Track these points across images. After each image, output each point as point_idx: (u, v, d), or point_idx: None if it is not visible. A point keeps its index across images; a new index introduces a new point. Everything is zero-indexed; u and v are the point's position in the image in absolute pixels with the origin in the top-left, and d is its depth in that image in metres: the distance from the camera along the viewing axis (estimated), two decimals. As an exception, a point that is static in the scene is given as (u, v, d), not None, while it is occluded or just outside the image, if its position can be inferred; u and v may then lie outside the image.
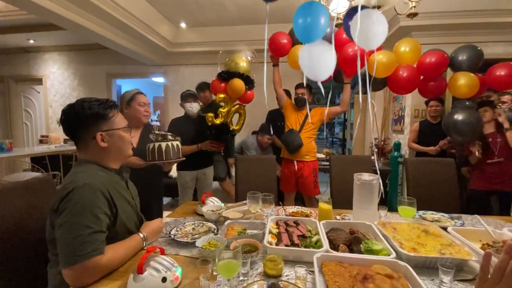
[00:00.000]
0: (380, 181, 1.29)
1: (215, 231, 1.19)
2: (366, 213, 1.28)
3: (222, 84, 2.26)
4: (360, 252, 0.96)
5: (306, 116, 2.47)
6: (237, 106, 2.32)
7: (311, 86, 2.64)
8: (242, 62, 2.31)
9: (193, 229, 1.23)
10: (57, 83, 4.81)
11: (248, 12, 3.51)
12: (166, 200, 4.02)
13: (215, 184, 3.48)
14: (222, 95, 2.21)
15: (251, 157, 2.45)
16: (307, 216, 1.38)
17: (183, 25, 3.79)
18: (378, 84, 2.23)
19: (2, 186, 1.17)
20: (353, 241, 1.01)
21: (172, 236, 1.12)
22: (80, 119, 0.94)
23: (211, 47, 4.04)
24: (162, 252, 0.88)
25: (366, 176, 1.29)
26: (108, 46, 3.70)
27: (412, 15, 1.91)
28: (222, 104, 2.24)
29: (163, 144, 1.43)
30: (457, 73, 2.07)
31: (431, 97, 2.62)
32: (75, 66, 4.74)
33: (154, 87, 6.92)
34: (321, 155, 3.50)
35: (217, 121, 2.21)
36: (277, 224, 1.21)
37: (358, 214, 1.31)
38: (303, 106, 2.50)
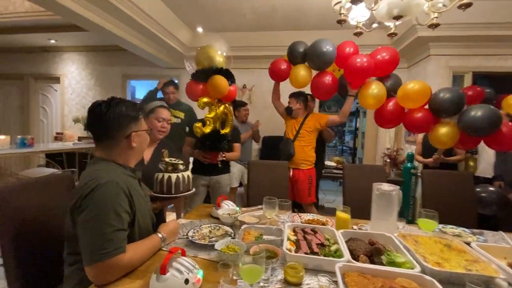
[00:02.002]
0: (401, 192, 1.27)
1: (232, 235, 1.18)
2: (384, 224, 1.25)
3: (200, 86, 1.97)
4: (381, 264, 0.94)
5: (301, 124, 2.53)
6: (223, 106, 2.05)
7: (303, 95, 2.62)
8: (217, 57, 1.96)
9: (210, 231, 1.23)
10: (74, 82, 4.93)
11: (264, 19, 3.55)
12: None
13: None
14: (205, 99, 1.94)
15: (264, 162, 2.43)
16: (323, 224, 1.37)
17: (199, 29, 3.85)
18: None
19: (24, 181, 1.20)
20: (374, 252, 0.99)
21: (190, 238, 1.12)
22: (119, 118, 0.98)
23: (233, 52, 4.09)
24: (183, 254, 0.88)
25: (385, 186, 1.27)
26: (126, 48, 3.79)
27: (434, 26, 1.90)
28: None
29: (173, 176, 1.29)
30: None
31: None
32: (92, 67, 4.86)
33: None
34: (332, 163, 3.47)
35: (207, 130, 1.97)
36: (294, 231, 1.20)
37: (376, 225, 1.28)
38: (290, 115, 2.56)
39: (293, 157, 2.47)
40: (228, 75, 2.01)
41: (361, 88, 2.13)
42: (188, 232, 1.19)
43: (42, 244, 1.10)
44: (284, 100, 2.69)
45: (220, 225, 1.29)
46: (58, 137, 4.30)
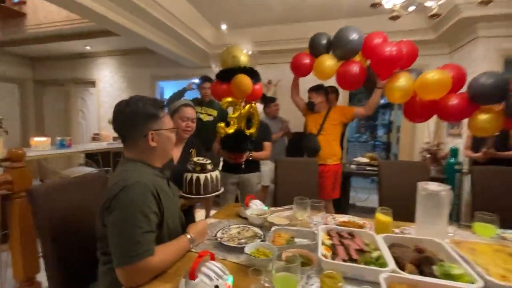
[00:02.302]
0: (451, 192, 1.12)
1: (262, 236, 1.13)
2: (432, 229, 1.12)
3: (224, 86, 1.94)
4: (433, 276, 0.82)
5: (325, 117, 2.42)
6: (248, 106, 1.98)
7: (323, 88, 2.52)
8: (242, 56, 1.94)
9: (239, 233, 1.18)
10: (108, 86, 5.21)
11: (292, 10, 3.42)
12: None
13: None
14: (229, 99, 1.90)
15: (291, 159, 2.34)
16: (360, 227, 1.26)
17: (223, 27, 3.83)
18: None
19: (61, 181, 1.25)
20: (423, 261, 0.87)
21: (219, 239, 1.09)
22: (134, 117, 0.95)
23: (257, 48, 4.03)
24: (213, 258, 0.84)
25: (433, 186, 1.13)
26: (155, 50, 3.90)
27: (485, 3, 1.67)
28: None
29: (201, 176, 1.28)
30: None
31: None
32: (124, 70, 5.09)
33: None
34: (364, 159, 3.27)
35: (230, 130, 1.92)
36: (329, 234, 1.11)
37: (422, 229, 1.15)
38: (312, 110, 2.46)
39: (319, 152, 2.38)
40: (252, 73, 1.94)
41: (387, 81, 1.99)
42: (217, 232, 1.15)
43: (79, 241, 1.14)
44: (302, 96, 2.59)
45: (249, 226, 1.24)
46: (95, 137, 4.57)
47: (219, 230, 1.18)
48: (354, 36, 1.99)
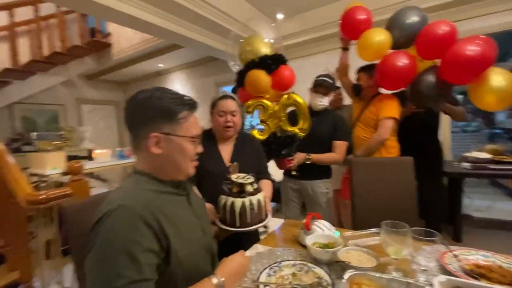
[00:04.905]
0: None
1: (329, 287, 0.71)
2: None
3: (245, 91, 1.69)
4: None
5: (365, 105, 1.87)
6: (284, 98, 1.57)
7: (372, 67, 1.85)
8: (262, 47, 1.61)
9: (294, 274, 0.80)
10: (180, 98, 5.59)
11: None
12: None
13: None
14: (250, 102, 1.59)
15: (375, 160, 1.74)
16: (520, 281, 0.69)
17: (279, 16, 3.48)
18: None
19: (91, 199, 1.13)
20: None
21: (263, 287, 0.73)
22: (144, 107, 0.70)
23: (316, 33, 3.53)
24: None
25: None
26: (217, 56, 3.90)
27: None
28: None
29: (237, 202, 0.95)
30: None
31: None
32: (192, 81, 5.36)
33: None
34: (484, 155, 2.34)
35: (263, 137, 1.62)
36: (455, 295, 0.61)
37: None
38: (358, 95, 1.94)
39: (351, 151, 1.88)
40: (265, 63, 1.55)
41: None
42: (261, 273, 0.80)
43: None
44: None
45: (310, 265, 0.84)
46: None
47: (265, 268, 0.82)
48: (413, 19, 1.54)
